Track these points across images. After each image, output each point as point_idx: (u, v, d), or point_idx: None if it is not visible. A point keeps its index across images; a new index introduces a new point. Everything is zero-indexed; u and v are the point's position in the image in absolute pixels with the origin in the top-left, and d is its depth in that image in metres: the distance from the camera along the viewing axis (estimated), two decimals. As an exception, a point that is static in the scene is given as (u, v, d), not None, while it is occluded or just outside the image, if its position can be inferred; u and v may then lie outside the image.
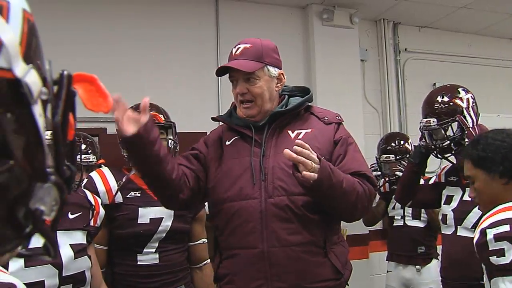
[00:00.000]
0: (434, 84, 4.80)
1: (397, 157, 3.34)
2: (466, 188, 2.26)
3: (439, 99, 2.47)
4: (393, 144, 3.42)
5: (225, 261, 1.70)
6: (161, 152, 1.59)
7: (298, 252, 1.59)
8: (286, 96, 1.81)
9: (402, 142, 3.43)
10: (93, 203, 1.91)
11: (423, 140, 2.51)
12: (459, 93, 2.46)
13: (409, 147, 3.36)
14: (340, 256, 1.68)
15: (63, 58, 3.62)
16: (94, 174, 2.18)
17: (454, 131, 2.39)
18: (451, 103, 2.42)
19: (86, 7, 3.73)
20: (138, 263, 2.08)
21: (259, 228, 1.59)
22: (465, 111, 2.37)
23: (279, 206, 1.59)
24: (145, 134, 1.53)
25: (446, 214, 2.39)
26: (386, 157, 3.37)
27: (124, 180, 2.15)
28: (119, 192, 2.11)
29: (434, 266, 3.12)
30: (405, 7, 4.39)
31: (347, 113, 3.96)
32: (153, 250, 2.09)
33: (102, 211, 1.93)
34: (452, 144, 2.38)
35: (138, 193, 2.13)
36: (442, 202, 2.49)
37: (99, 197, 2.06)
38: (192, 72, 3.92)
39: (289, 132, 1.73)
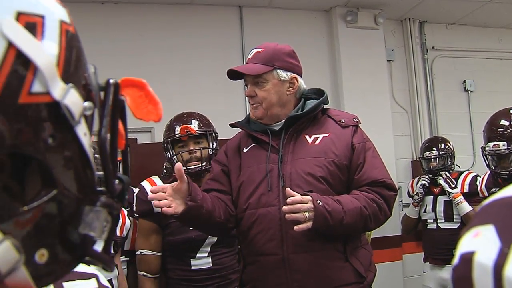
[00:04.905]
0: (464, 81, 4.72)
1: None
2: None
3: (505, 122, 2.36)
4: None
5: (248, 267, 1.72)
6: (210, 207, 1.63)
7: (318, 257, 1.59)
8: (302, 99, 1.79)
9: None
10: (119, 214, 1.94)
11: None
12: None
13: None
14: (363, 259, 1.67)
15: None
16: (145, 183, 2.22)
17: None
18: None
19: (113, 19, 3.82)
20: (192, 267, 2.12)
21: (279, 235, 1.60)
22: None
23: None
24: (194, 204, 1.56)
25: None
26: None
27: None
28: None
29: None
30: (430, 5, 4.32)
31: (375, 115, 4.03)
32: (206, 254, 2.13)
33: (128, 222, 1.97)
34: None
35: None
36: None
37: (152, 205, 2.10)
38: (218, 79, 3.95)
39: (306, 137, 1.72)
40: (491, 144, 2.34)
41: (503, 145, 2.30)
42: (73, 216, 0.45)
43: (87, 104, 0.46)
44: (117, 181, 0.51)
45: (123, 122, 0.53)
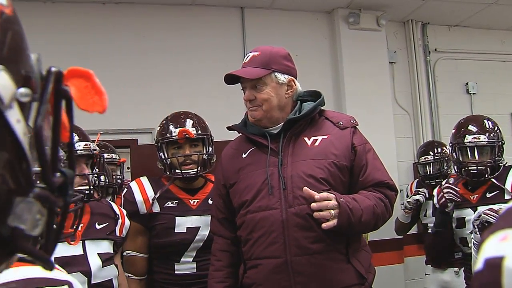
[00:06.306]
0: (467, 84, 4.69)
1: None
2: (478, 207, 2.19)
3: (486, 121, 2.44)
4: None
5: (249, 271, 1.71)
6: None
7: (321, 259, 1.59)
8: (299, 101, 1.79)
9: None
10: (119, 213, 1.93)
11: (446, 203, 2.40)
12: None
13: None
14: (363, 261, 1.68)
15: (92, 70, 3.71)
16: (133, 184, 2.20)
17: (497, 155, 2.34)
18: (497, 129, 2.42)
19: (114, 19, 3.81)
20: (176, 272, 2.09)
21: (281, 238, 1.60)
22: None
23: (300, 215, 1.59)
24: None
25: (465, 238, 2.31)
26: None
27: (162, 190, 2.16)
28: (156, 202, 2.12)
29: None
30: (433, 7, 4.31)
31: (377, 117, 4.01)
32: (191, 259, 2.10)
33: (127, 222, 1.95)
34: (489, 168, 2.32)
35: (175, 203, 2.14)
36: (454, 225, 2.42)
37: (137, 206, 2.09)
38: (219, 81, 3.93)
39: (305, 139, 1.71)
40: (470, 136, 2.36)
41: (484, 138, 2.34)
42: (2, 207, 0.42)
43: (23, 90, 0.44)
44: (58, 174, 0.49)
45: (69, 114, 0.50)
